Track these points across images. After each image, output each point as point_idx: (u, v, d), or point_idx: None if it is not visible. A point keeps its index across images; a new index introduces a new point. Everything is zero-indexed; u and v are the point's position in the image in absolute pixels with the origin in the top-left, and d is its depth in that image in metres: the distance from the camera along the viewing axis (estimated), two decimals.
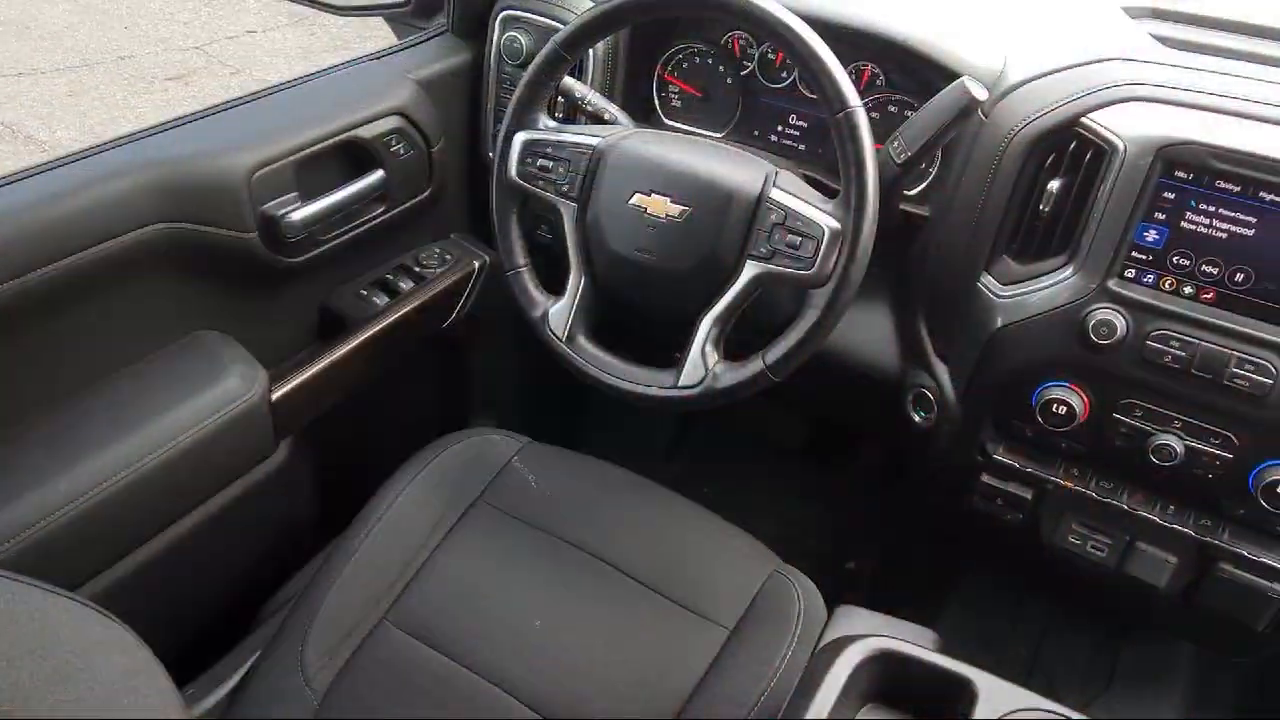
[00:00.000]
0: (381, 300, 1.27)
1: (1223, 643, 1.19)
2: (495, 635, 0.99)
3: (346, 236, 1.19)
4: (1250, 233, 0.87)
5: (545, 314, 1.07)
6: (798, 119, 1.23)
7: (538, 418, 1.80)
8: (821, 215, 0.92)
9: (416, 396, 1.56)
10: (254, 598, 1.26)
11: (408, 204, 1.27)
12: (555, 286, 1.08)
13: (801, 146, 1.24)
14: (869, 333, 1.19)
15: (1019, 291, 0.99)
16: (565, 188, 1.03)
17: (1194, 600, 1.01)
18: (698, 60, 1.27)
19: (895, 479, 1.60)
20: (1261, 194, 0.86)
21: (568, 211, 1.04)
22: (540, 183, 1.05)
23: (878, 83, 1.16)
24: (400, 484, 1.12)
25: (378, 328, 1.24)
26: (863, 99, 1.16)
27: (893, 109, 1.15)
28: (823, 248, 0.91)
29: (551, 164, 1.04)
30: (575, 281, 1.06)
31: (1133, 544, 1.02)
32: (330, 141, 1.13)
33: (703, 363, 0.98)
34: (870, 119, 1.17)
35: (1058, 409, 0.97)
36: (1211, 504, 0.98)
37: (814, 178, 1.12)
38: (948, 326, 1.09)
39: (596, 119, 1.13)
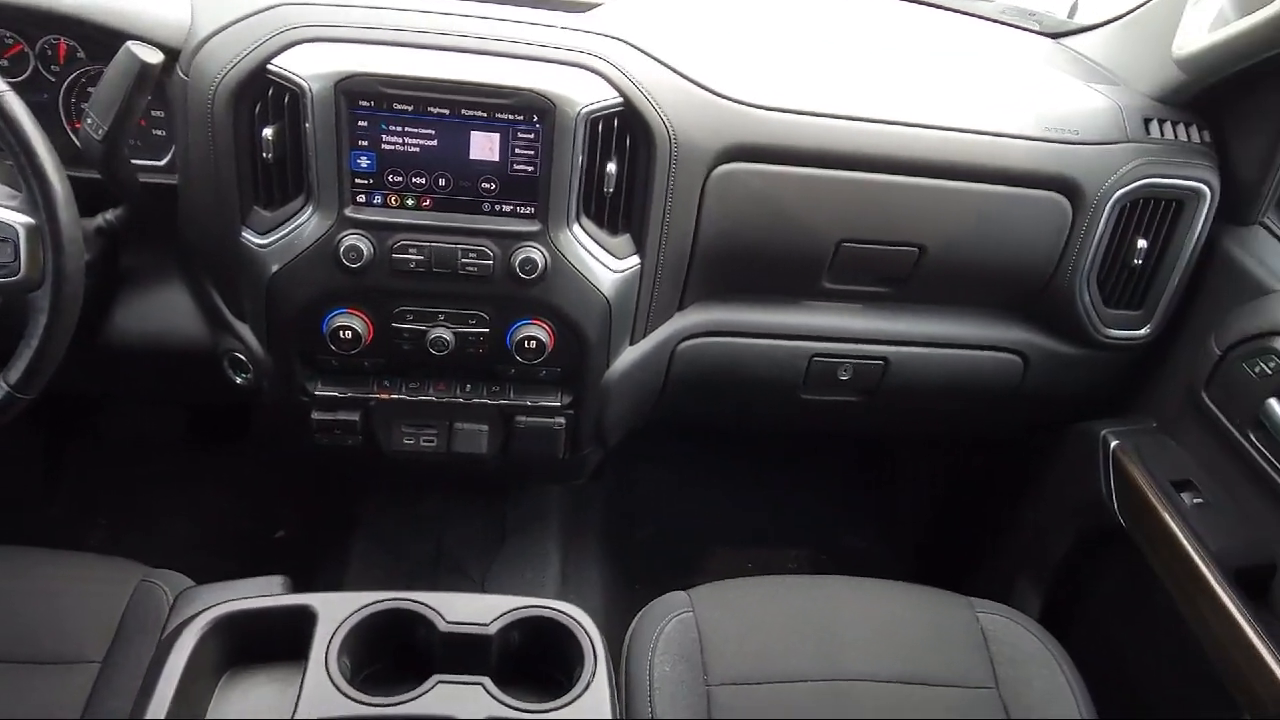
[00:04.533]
0: None
1: (556, 475, 1.44)
2: None
3: None
4: (435, 143, 1.00)
5: None
6: None
7: None
8: (10, 214, 0.85)
9: None
10: None
11: None
12: None
13: None
14: (172, 311, 1.16)
15: (278, 237, 1.03)
16: None
17: (512, 453, 1.19)
18: None
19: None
20: (430, 109, 0.99)
21: None
22: None
23: (78, 56, 1.08)
24: None
25: None
26: (66, 76, 1.09)
27: None
28: (23, 248, 0.84)
29: None
30: None
31: (452, 427, 1.17)
32: None
33: None
34: (87, 94, 1.11)
35: (344, 334, 1.05)
36: (492, 372, 1.15)
37: None
38: (233, 286, 1.10)
39: None
